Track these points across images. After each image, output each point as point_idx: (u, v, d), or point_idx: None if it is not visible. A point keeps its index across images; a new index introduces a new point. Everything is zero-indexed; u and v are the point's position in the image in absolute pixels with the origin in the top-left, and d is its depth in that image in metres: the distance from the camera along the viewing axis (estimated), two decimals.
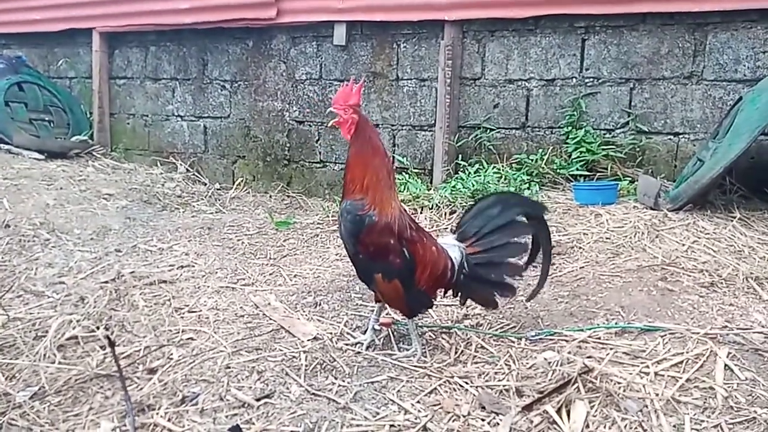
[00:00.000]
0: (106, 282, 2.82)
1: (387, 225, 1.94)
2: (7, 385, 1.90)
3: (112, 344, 1.59)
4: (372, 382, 1.90)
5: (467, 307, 2.49)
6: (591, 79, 4.14)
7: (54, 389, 1.89)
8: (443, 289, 2.14)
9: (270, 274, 3.01)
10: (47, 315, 2.42)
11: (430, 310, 2.41)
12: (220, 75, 5.34)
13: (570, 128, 4.15)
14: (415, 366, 1.99)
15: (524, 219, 2.12)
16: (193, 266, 3.12)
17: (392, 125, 4.74)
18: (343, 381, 1.92)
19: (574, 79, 4.18)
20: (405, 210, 2.05)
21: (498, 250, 2.08)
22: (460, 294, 2.15)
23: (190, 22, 5.15)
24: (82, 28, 5.69)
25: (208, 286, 2.83)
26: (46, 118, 5.58)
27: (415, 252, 1.99)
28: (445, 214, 3.66)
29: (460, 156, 4.46)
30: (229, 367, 2.00)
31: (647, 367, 1.79)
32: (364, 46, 4.75)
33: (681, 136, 3.95)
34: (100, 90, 5.75)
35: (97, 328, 2.29)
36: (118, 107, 5.85)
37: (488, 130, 4.41)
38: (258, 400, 1.81)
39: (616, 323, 2.14)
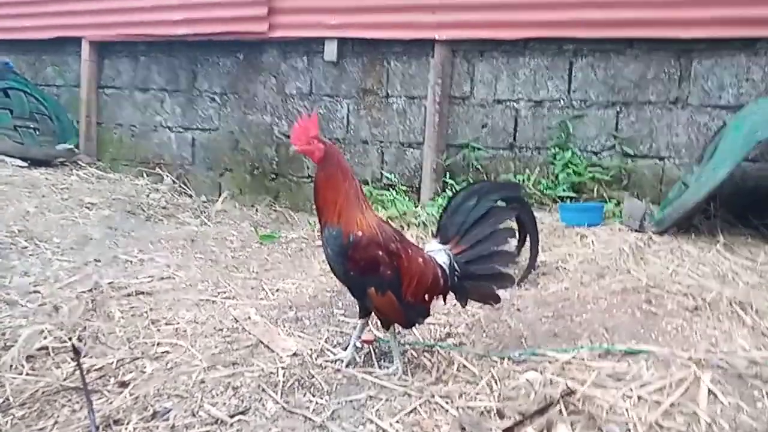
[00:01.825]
0: (83, 292, 2.75)
1: (372, 238, 1.92)
2: None
3: (77, 353, 1.53)
4: (350, 401, 1.85)
5: (450, 326, 2.46)
6: (578, 102, 4.17)
7: (19, 402, 1.82)
8: (441, 296, 2.10)
9: (252, 288, 2.96)
10: (18, 324, 2.35)
11: (414, 328, 2.39)
12: (210, 87, 5.32)
13: (557, 149, 4.18)
14: (395, 384, 1.95)
15: (503, 203, 2.09)
16: (174, 278, 3.06)
17: (381, 142, 4.73)
18: (321, 398, 1.87)
19: (561, 101, 4.22)
20: (386, 221, 2.03)
21: (485, 242, 2.04)
22: (458, 296, 2.11)
23: (182, 33, 5.15)
24: (71, 36, 5.67)
25: (188, 299, 2.76)
26: (32, 126, 5.52)
27: (400, 265, 1.96)
28: (432, 231, 3.63)
29: (448, 174, 4.46)
30: (204, 382, 1.94)
31: (630, 390, 1.76)
32: (354, 63, 4.77)
33: (666, 160, 3.98)
34: (88, 99, 5.70)
35: (70, 338, 2.23)
36: (105, 117, 5.81)
37: (476, 150, 4.42)
38: (232, 416, 1.75)
39: (599, 345, 2.11)
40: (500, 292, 2.09)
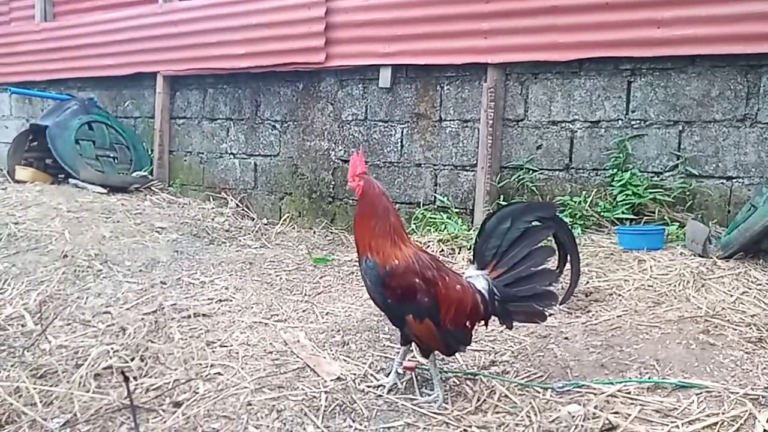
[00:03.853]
0: (148, 313, 2.95)
1: (408, 266, 1.96)
2: (42, 412, 2.00)
3: (126, 379, 1.66)
4: (388, 428, 1.89)
5: (496, 353, 2.45)
6: (637, 121, 4.05)
7: (84, 418, 1.97)
8: (483, 322, 2.10)
9: (303, 311, 3.06)
10: (89, 344, 2.54)
11: (459, 356, 2.40)
12: (271, 115, 5.57)
13: (615, 170, 4.06)
14: (434, 413, 1.96)
15: (538, 223, 2.07)
16: (231, 300, 3.20)
17: (434, 165, 4.77)
18: (360, 425, 1.91)
19: (619, 121, 4.11)
20: (423, 250, 2.06)
21: (523, 263, 2.03)
22: (502, 320, 2.10)
23: (246, 66, 5.43)
24: (147, 72, 6.10)
25: (243, 321, 2.89)
26: (111, 155, 5.95)
27: (437, 293, 1.99)
28: None
29: (502, 196, 4.43)
30: (251, 404, 2.03)
31: (677, 427, 1.69)
32: (408, 88, 4.85)
33: (734, 180, 3.78)
34: (161, 129, 6.10)
35: (132, 359, 2.39)
36: (177, 145, 6.19)
37: (531, 171, 4.37)
38: None
39: (649, 377, 2.03)
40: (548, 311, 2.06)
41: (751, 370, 2.05)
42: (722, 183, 3.83)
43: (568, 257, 2.07)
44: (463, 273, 2.13)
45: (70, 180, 5.59)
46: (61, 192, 5.16)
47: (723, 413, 1.73)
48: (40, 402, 2.07)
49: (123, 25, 6.18)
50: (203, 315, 2.96)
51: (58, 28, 6.80)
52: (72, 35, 6.61)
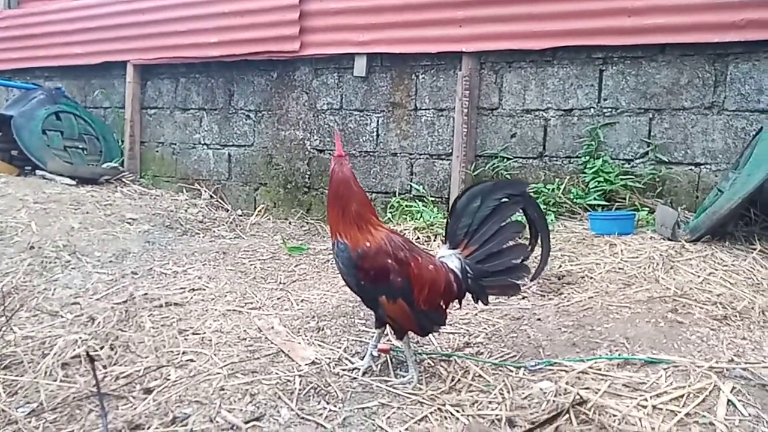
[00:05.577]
0: (118, 303, 2.89)
1: (380, 247, 1.96)
2: (6, 402, 1.95)
3: (92, 360, 1.62)
4: (363, 408, 1.88)
5: (470, 335, 2.46)
6: (609, 109, 4.10)
7: (51, 406, 1.92)
8: (456, 301, 2.11)
9: (278, 299, 3.03)
10: (57, 334, 2.48)
11: (433, 338, 2.41)
12: (245, 105, 5.50)
13: (588, 158, 4.11)
14: (408, 393, 1.96)
15: (507, 200, 2.07)
16: (204, 289, 3.16)
17: (410, 154, 4.77)
18: (335, 406, 1.90)
19: (592, 109, 4.16)
20: (395, 232, 2.06)
21: (493, 239, 2.04)
22: (477, 296, 2.10)
23: (218, 55, 5.35)
24: (117, 61, 5.97)
25: (216, 309, 2.86)
26: (80, 146, 5.82)
27: (410, 273, 1.98)
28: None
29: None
30: (223, 389, 2.01)
31: (645, 400, 1.72)
32: (383, 77, 4.84)
33: (702, 167, 3.86)
34: (132, 119, 5.98)
35: (102, 348, 2.34)
36: (148, 136, 6.07)
37: (505, 159, 4.40)
38: (247, 422, 1.81)
39: (618, 354, 2.07)
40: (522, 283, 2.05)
41: (716, 346, 2.10)
42: (691, 169, 3.91)
43: (539, 234, 2.09)
44: (436, 253, 2.13)
45: (38, 171, 5.45)
46: (28, 184, 5.02)
47: (689, 386, 1.77)
48: (5, 392, 2.02)
49: (91, 12, 6.04)
50: (175, 304, 2.92)
51: (23, 15, 6.61)
52: (38, 23, 6.44)
